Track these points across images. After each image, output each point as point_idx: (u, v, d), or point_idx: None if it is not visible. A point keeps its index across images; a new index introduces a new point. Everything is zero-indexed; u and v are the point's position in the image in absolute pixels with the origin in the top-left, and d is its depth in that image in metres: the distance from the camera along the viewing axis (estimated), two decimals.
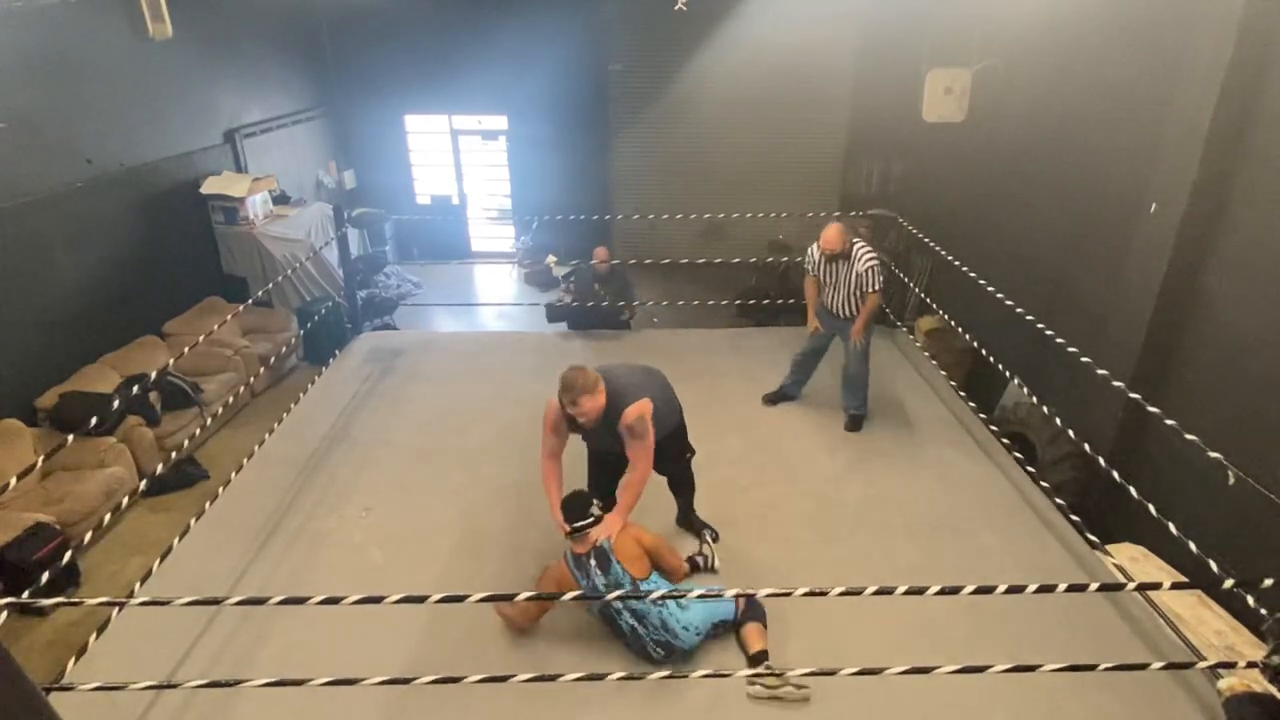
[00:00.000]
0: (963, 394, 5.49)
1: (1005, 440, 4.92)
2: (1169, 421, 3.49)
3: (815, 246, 4.90)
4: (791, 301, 7.18)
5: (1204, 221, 3.96)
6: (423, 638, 3.32)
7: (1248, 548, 3.67)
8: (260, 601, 2.46)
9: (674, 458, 3.76)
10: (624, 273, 6.72)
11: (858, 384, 5.06)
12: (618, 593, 2.94)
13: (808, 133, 9.90)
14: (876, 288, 4.76)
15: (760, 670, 3.03)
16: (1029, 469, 4.60)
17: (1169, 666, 2.84)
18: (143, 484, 4.09)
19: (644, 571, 3.23)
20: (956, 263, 5.66)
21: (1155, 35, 4.35)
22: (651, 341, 6.51)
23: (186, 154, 7.12)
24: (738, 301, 7.88)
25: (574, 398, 3.24)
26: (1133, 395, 3.83)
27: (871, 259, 4.75)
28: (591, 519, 3.18)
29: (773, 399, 5.34)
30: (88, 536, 4.19)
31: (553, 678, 2.46)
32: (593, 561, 3.14)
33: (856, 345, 4.88)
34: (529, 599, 2.87)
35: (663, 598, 3.01)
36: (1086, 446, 4.20)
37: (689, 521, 4.04)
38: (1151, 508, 3.60)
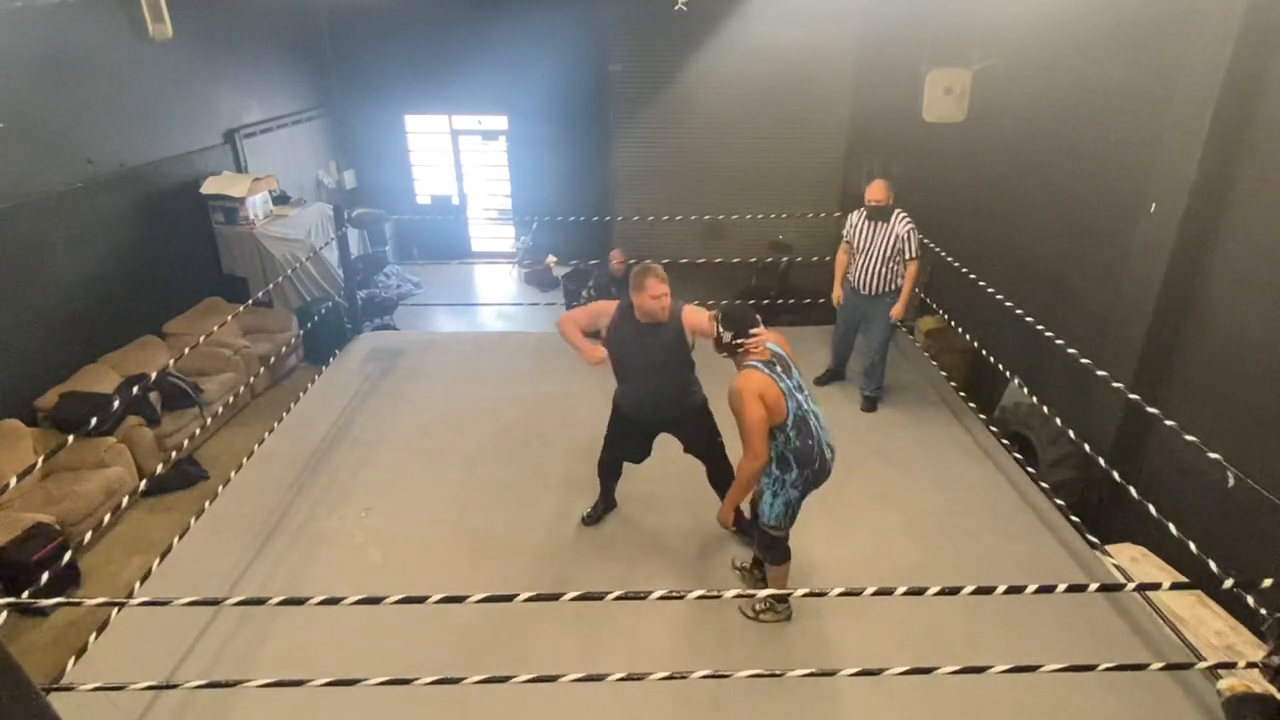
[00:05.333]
0: (963, 394, 5.49)
1: (1005, 440, 4.92)
2: (1169, 422, 3.49)
3: (856, 212, 5.08)
4: (791, 301, 7.19)
5: (1204, 221, 3.95)
6: (423, 638, 3.32)
7: (1248, 548, 3.67)
8: (260, 602, 2.46)
9: (708, 438, 3.77)
10: None
11: (876, 368, 5.22)
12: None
13: (808, 133, 9.90)
14: (915, 254, 4.90)
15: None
16: (1029, 469, 4.60)
17: (1169, 667, 2.84)
18: (143, 484, 4.09)
19: None
20: (956, 263, 5.67)
21: (1155, 35, 4.35)
22: None
23: (186, 154, 7.12)
24: (738, 302, 7.88)
25: (660, 280, 3.45)
26: (1132, 396, 3.83)
27: (910, 223, 4.90)
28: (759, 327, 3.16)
29: (824, 380, 5.56)
30: (88, 536, 4.20)
31: (553, 678, 2.46)
32: (779, 366, 3.10)
33: (894, 320, 5.03)
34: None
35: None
36: (1086, 447, 4.20)
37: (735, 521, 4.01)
38: (1152, 508, 3.60)
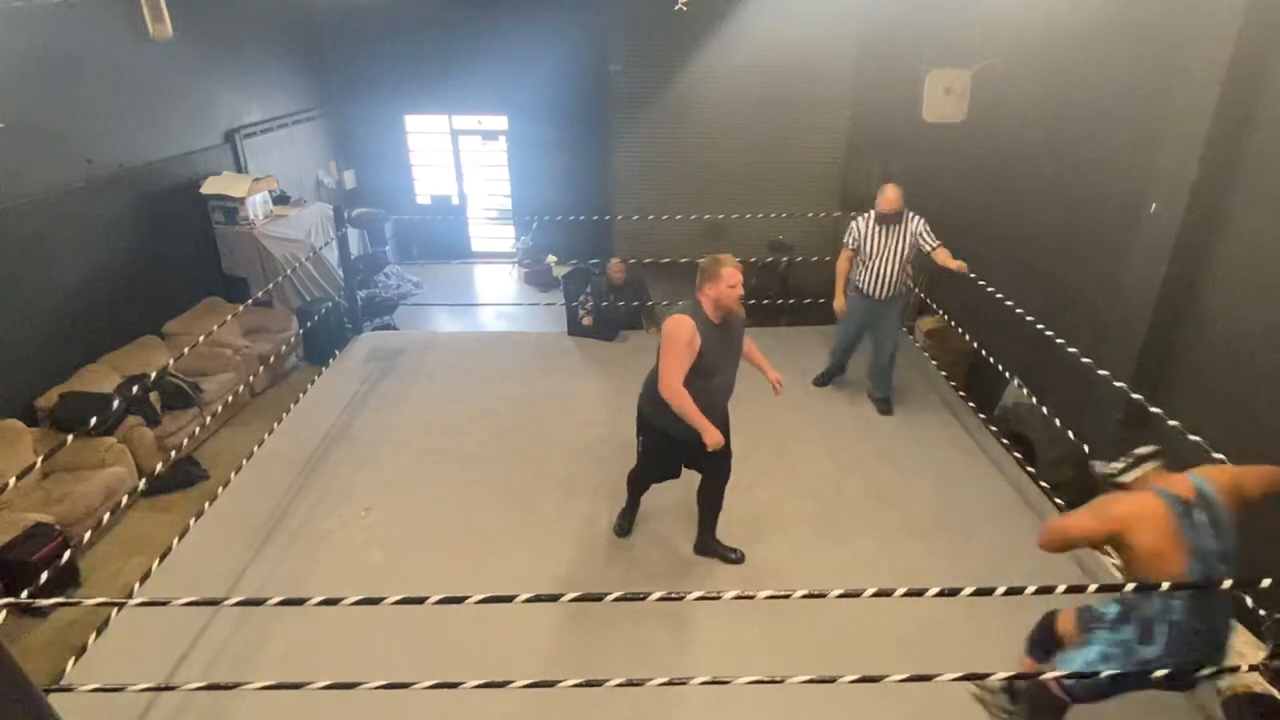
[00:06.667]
0: (963, 394, 5.49)
1: (1005, 440, 4.92)
2: (1172, 422, 3.48)
3: (860, 219, 4.97)
4: (791, 301, 7.18)
5: (1204, 221, 3.95)
6: (422, 638, 3.32)
7: (1248, 548, 3.66)
8: (259, 602, 2.46)
9: (728, 451, 3.62)
10: (640, 276, 6.75)
11: (887, 371, 5.26)
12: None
13: (808, 133, 9.90)
14: (939, 242, 4.86)
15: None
16: (1029, 469, 4.60)
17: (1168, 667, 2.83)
18: (143, 484, 4.09)
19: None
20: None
21: (1155, 35, 4.34)
22: (651, 342, 6.51)
23: (186, 154, 7.11)
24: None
25: (735, 267, 3.22)
26: (1135, 396, 3.82)
27: (921, 218, 4.89)
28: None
29: (823, 380, 5.57)
30: (88, 536, 4.20)
31: (551, 684, 2.46)
32: (1203, 515, 2.28)
33: (960, 268, 4.82)
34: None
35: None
36: (1086, 448, 4.20)
37: (711, 547, 3.92)
38: None
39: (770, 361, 3.65)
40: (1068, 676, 2.41)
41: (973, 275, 5.13)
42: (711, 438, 3.24)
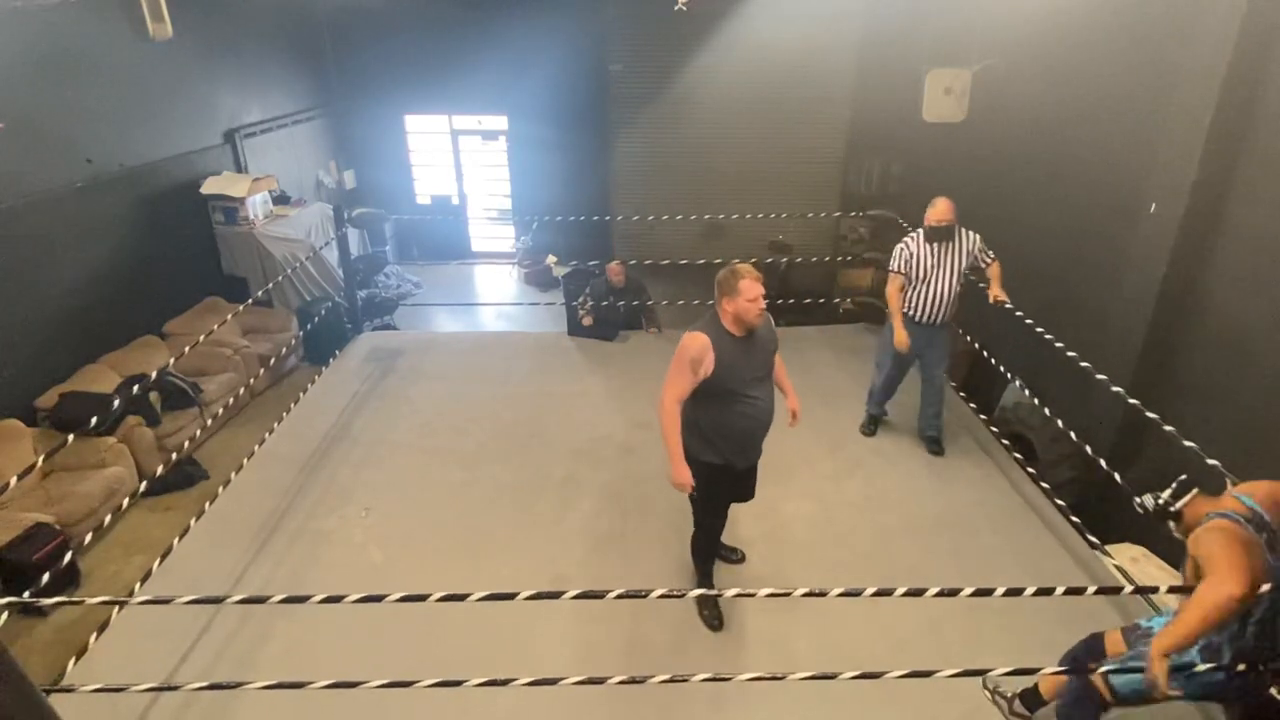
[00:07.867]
0: (963, 394, 5.49)
1: (1005, 440, 4.92)
2: (1168, 428, 3.48)
3: (909, 240, 4.49)
4: (791, 301, 7.18)
5: (1204, 221, 3.96)
6: (423, 637, 3.32)
7: None
8: (261, 600, 2.46)
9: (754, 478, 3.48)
10: (639, 278, 6.76)
11: (937, 401, 4.79)
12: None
13: (808, 133, 9.89)
14: (994, 255, 4.54)
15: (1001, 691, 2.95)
16: (1029, 469, 4.60)
17: (1168, 668, 2.83)
18: (143, 484, 4.09)
19: None
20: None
21: (1155, 35, 4.35)
22: (651, 343, 6.52)
23: (186, 154, 7.11)
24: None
25: (754, 279, 2.95)
26: (1132, 401, 3.82)
27: (976, 234, 4.51)
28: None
29: (871, 430, 5.07)
30: (88, 537, 4.20)
31: (553, 681, 2.46)
32: (1264, 533, 2.29)
33: (997, 300, 4.52)
34: None
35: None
36: (1087, 448, 4.20)
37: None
38: None
39: None
40: (1116, 672, 2.49)
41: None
42: (679, 475, 3.05)
